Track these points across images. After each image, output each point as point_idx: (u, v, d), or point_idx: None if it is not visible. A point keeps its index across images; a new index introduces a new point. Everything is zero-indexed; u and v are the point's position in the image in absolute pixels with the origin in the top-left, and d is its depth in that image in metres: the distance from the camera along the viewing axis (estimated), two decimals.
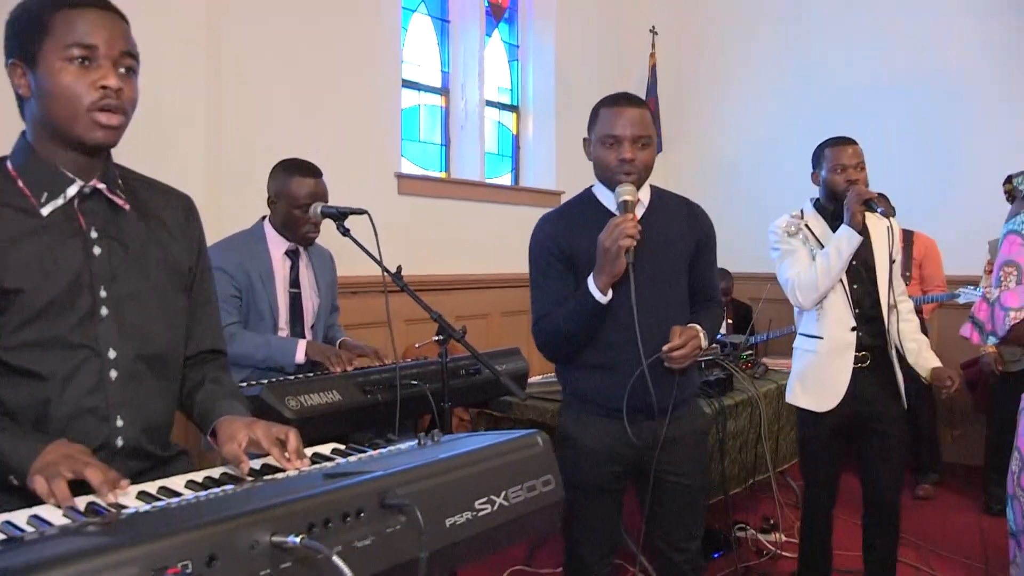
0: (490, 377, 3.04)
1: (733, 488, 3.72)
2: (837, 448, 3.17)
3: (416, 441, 1.58)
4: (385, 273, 2.65)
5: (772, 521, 4.18)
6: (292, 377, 2.60)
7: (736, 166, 6.50)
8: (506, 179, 6.10)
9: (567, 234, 2.36)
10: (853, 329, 3.05)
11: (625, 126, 2.29)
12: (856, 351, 3.05)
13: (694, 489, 2.43)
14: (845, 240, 2.99)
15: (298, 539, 1.05)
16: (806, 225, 3.15)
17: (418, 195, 5.04)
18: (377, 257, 2.63)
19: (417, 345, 2.84)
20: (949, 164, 5.51)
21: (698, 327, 2.33)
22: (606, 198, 2.40)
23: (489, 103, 5.84)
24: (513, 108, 6.13)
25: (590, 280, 2.24)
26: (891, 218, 3.08)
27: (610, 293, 2.24)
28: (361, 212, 2.80)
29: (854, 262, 3.06)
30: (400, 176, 4.93)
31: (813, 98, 6.16)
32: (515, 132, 6.16)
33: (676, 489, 2.40)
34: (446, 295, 5.04)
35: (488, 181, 5.77)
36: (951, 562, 3.94)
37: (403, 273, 2.73)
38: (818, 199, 3.20)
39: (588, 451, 2.38)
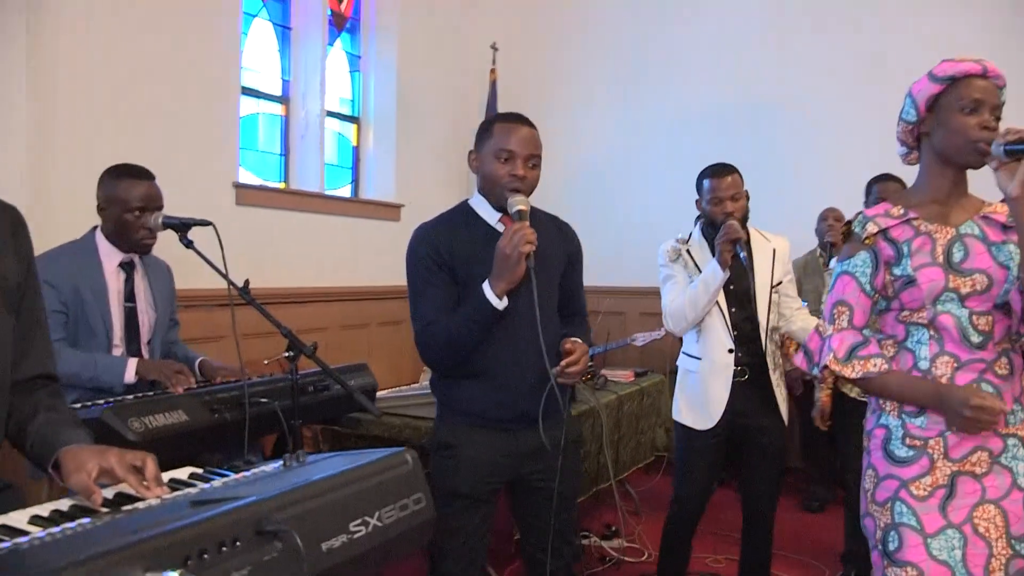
0: (339, 393, 3.00)
1: (577, 497, 3.78)
2: (716, 462, 3.28)
3: (281, 463, 1.53)
4: (231, 287, 2.57)
5: (614, 528, 4.30)
6: (132, 397, 2.45)
7: (573, 184, 6.63)
8: (346, 191, 6.00)
9: (447, 243, 2.36)
10: (731, 351, 3.17)
11: (521, 143, 2.33)
12: (738, 365, 3.18)
13: (568, 495, 2.47)
14: (711, 276, 3.10)
15: (176, 573, 0.99)
16: (687, 251, 3.28)
17: (257, 206, 4.88)
18: (223, 271, 2.55)
19: (266, 361, 2.75)
20: (779, 187, 5.77)
21: (582, 341, 2.36)
22: (485, 211, 2.43)
23: (330, 113, 5.74)
24: (354, 119, 6.06)
25: (485, 286, 2.26)
26: (777, 241, 3.26)
27: (506, 299, 2.26)
28: (205, 223, 2.70)
29: (732, 286, 3.18)
30: (238, 186, 4.76)
31: (651, 118, 6.37)
32: (355, 143, 6.08)
33: (552, 496, 2.41)
34: (285, 308, 4.90)
35: (328, 193, 5.66)
36: (785, 560, 4.11)
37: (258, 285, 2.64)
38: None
39: (467, 462, 2.37)
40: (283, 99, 5.44)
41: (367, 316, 5.57)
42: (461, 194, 6.63)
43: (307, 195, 5.30)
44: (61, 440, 1.51)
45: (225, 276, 2.54)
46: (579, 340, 2.35)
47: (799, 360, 2.30)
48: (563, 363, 2.27)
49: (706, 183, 3.17)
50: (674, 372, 5.55)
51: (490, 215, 2.41)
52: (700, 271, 3.20)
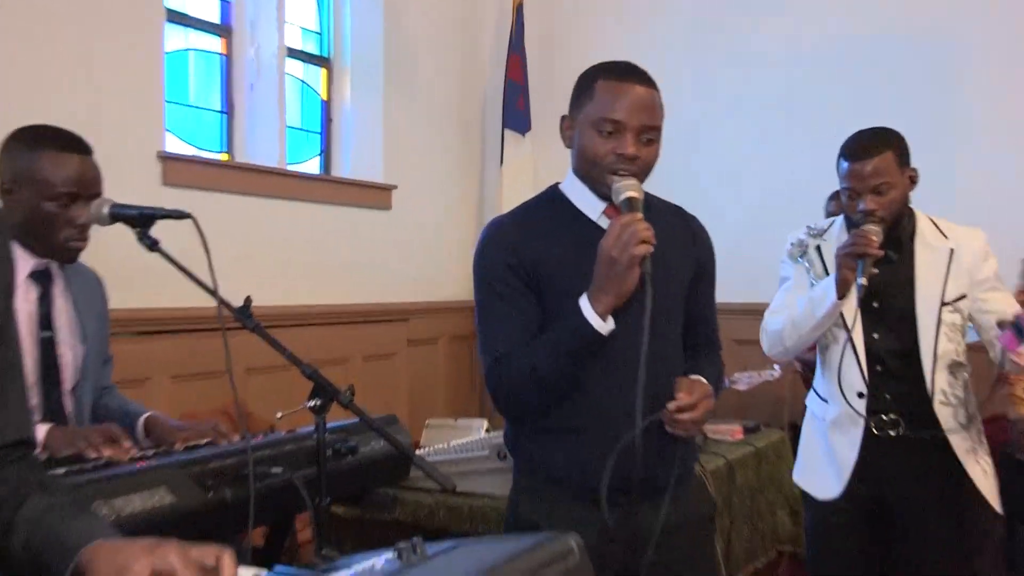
0: (367, 460, 3.02)
1: None
2: (849, 549, 3.30)
3: (395, 554, 1.56)
4: (223, 307, 2.57)
5: None
6: (107, 470, 2.47)
7: None
8: (312, 165, 6.00)
9: (529, 244, 2.45)
10: (861, 395, 3.19)
11: (632, 110, 2.39)
12: (885, 413, 3.20)
13: None
14: (820, 297, 3.17)
15: None
16: (818, 247, 3.33)
17: (192, 187, 4.86)
18: (211, 285, 2.55)
19: (279, 415, 2.77)
20: (941, 163, 5.43)
21: (706, 381, 2.42)
22: (582, 200, 2.51)
23: (290, 53, 5.73)
24: (322, 61, 6.05)
25: (584, 302, 2.31)
26: (962, 237, 3.21)
27: (611, 320, 2.32)
28: (181, 216, 2.68)
29: (877, 303, 3.19)
30: (166, 158, 4.76)
31: (740, 64, 6.35)
32: (325, 96, 6.07)
33: None
34: (234, 335, 4.86)
35: (291, 169, 5.66)
36: None
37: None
38: None
39: None
40: (223, 30, 5.42)
41: (346, 347, 5.60)
42: (476, 169, 6.78)
43: (262, 172, 5.30)
44: (79, 534, 1.48)
45: (214, 293, 2.54)
46: (700, 378, 2.42)
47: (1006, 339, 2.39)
48: (672, 405, 2.33)
49: (842, 165, 3.20)
50: (795, 426, 5.67)
51: (590, 205, 2.50)
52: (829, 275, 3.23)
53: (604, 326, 2.30)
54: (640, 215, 2.32)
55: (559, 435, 2.46)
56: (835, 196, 5.35)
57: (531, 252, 2.44)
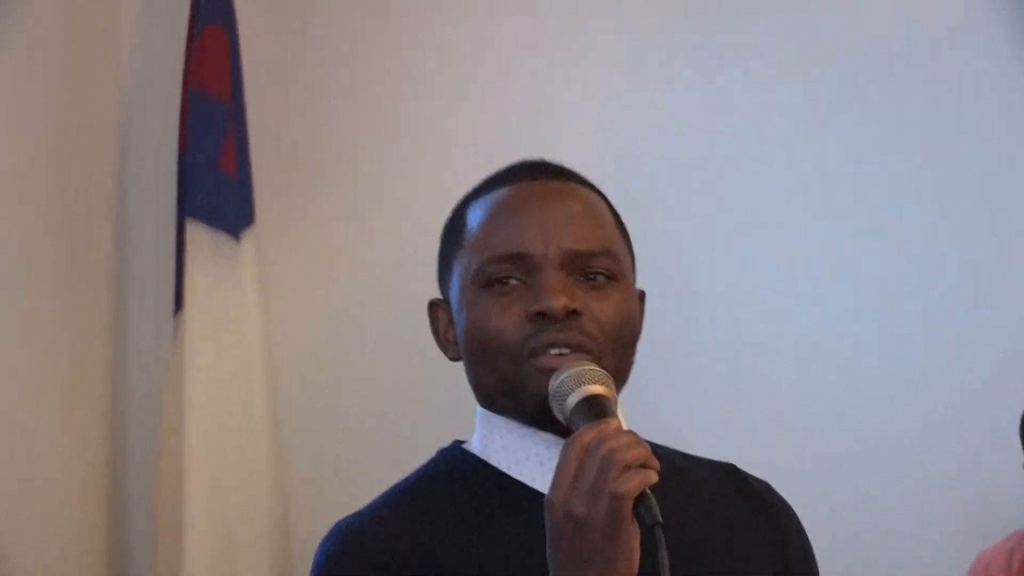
0: None
1: None
2: None
3: None
4: None
5: None
6: None
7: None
8: None
9: (450, 559, 1.54)
10: None
11: (542, 225, 1.57)
12: None
13: None
14: None
15: None
16: None
17: None
18: None
19: None
20: None
21: None
22: (515, 453, 1.63)
23: None
24: None
25: None
26: None
27: None
28: None
29: None
30: None
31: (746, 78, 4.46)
32: None
33: None
34: None
35: None
36: None
37: None
38: None
39: None
40: None
41: None
42: (102, 322, 4.07)
43: None
44: None
45: None
46: None
47: None
48: None
49: None
50: None
51: (531, 460, 1.63)
52: None
53: None
54: (617, 421, 1.44)
55: None
56: None
57: (440, 558, 1.54)
